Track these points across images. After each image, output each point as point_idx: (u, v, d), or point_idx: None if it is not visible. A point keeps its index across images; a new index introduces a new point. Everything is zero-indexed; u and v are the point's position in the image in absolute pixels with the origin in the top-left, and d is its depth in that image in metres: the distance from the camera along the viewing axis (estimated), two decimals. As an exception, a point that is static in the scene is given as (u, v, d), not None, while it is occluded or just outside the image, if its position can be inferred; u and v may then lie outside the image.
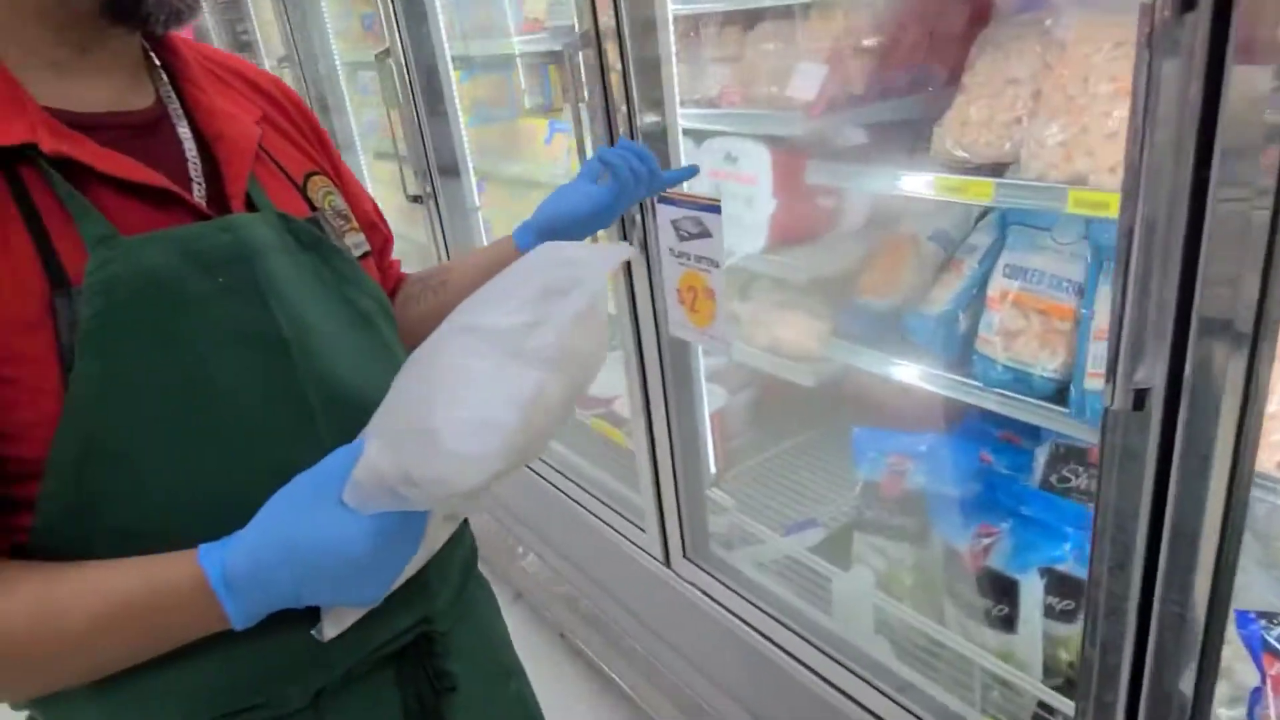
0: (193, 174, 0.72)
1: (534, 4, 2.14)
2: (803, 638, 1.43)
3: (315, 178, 0.83)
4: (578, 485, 1.99)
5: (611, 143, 1.50)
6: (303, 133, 0.87)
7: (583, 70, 1.37)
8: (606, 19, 1.35)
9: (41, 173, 0.64)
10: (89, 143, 0.66)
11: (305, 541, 0.63)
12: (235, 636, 0.66)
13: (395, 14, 2.07)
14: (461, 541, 0.90)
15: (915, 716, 1.29)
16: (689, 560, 1.63)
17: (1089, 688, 0.88)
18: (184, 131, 0.74)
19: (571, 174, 2.17)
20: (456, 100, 2.34)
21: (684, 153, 1.52)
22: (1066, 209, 1.14)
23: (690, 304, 1.30)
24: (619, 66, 1.36)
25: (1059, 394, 1.28)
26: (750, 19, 1.69)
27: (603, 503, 1.87)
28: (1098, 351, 1.21)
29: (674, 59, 1.41)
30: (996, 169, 1.31)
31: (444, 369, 0.62)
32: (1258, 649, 0.88)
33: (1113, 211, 1.10)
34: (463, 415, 0.58)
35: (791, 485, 1.86)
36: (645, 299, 1.52)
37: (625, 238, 1.56)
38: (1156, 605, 0.78)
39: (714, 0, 1.54)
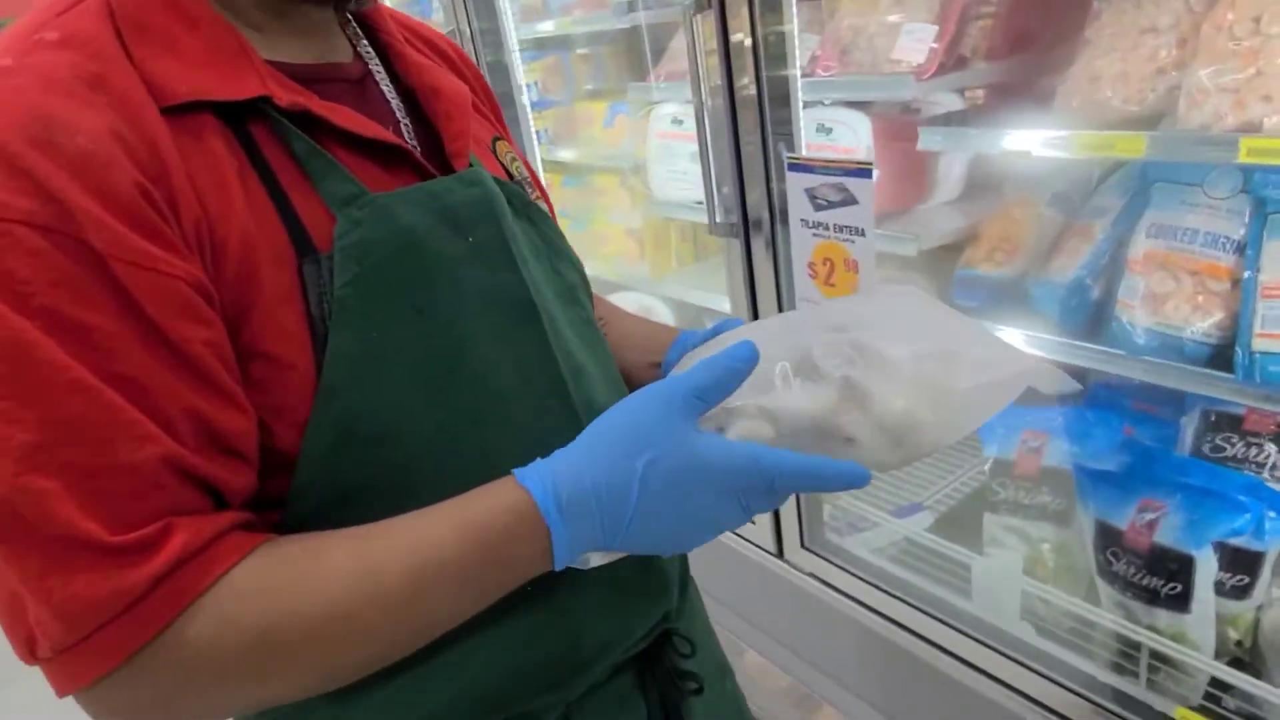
0: (406, 133, 0.66)
1: (590, -18, 2.07)
2: (940, 619, 1.36)
3: (500, 142, 0.77)
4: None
5: (734, 116, 1.41)
6: (480, 96, 0.81)
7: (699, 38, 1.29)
8: (737, 4, 1.28)
9: (273, 129, 0.58)
10: (314, 96, 0.60)
11: (666, 448, 0.54)
12: (496, 643, 0.60)
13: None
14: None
15: (1074, 693, 1.23)
16: (806, 549, 1.56)
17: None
18: (388, 92, 0.68)
19: (636, 159, 2.11)
20: (522, 82, 2.26)
21: (802, 127, 1.44)
22: (1238, 159, 1.07)
23: (825, 277, 1.23)
24: (747, 36, 1.29)
25: (1214, 358, 1.21)
26: (840, -18, 1.62)
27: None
28: (1268, 311, 1.15)
29: (795, 25, 1.34)
30: (1136, 124, 1.24)
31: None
32: None
33: (1295, 159, 1.04)
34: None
35: (902, 471, 1.79)
36: (767, 276, 1.45)
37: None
38: None
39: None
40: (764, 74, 1.38)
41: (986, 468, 1.45)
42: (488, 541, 0.56)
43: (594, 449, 0.56)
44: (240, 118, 0.57)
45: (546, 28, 2.18)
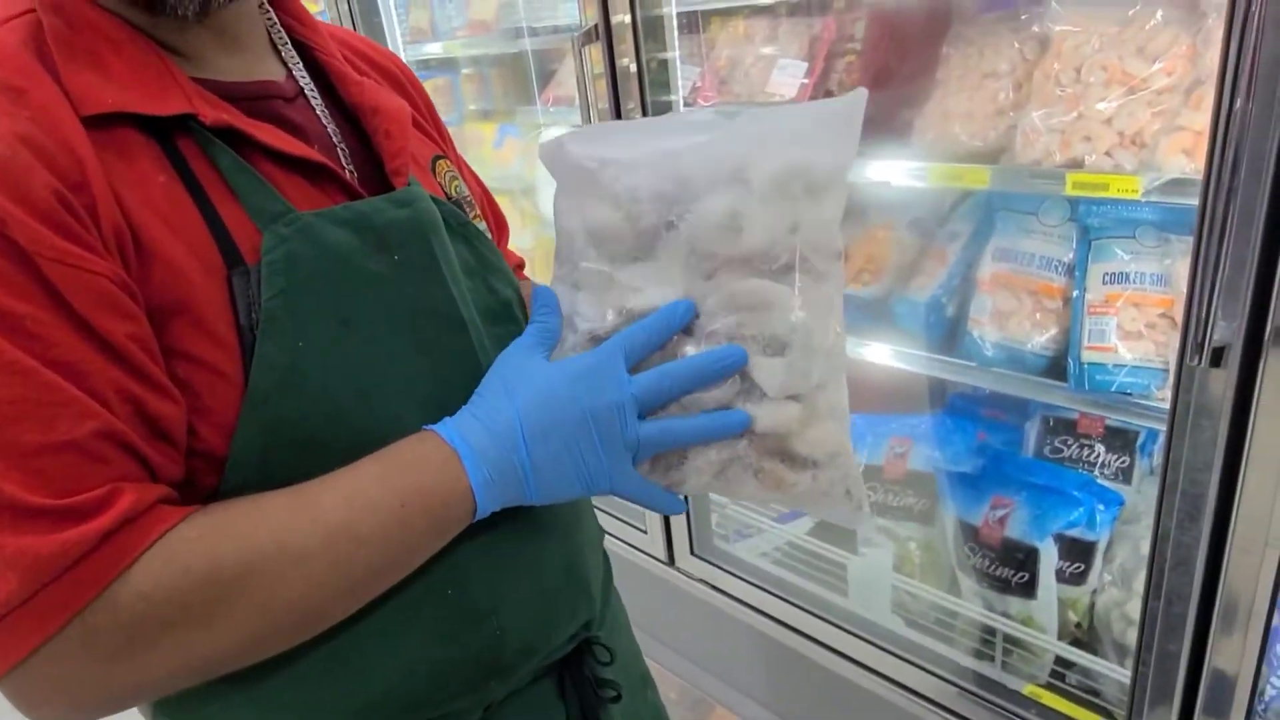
0: (341, 155, 0.68)
1: (480, 7, 2.10)
2: (822, 618, 1.46)
3: (441, 161, 0.78)
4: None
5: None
6: (422, 114, 0.82)
7: (588, 66, 1.36)
8: (620, 15, 1.34)
9: (199, 145, 0.59)
10: (242, 114, 0.61)
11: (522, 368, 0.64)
12: (417, 640, 0.63)
13: (353, 13, 2.00)
14: (599, 548, 0.87)
15: (941, 679, 1.34)
16: (696, 556, 1.63)
17: (1151, 642, 0.94)
18: (320, 110, 0.69)
19: (526, 180, 2.16)
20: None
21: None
22: (1064, 191, 1.21)
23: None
24: (632, 61, 1.36)
25: (1051, 368, 1.35)
26: (722, 18, 1.71)
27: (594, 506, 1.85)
28: (1092, 326, 1.29)
29: (678, 55, 1.42)
30: (980, 157, 1.38)
31: None
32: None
33: (1111, 192, 1.18)
34: None
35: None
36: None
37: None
38: (1228, 555, 0.84)
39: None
40: (649, 99, 1.46)
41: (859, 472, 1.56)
42: (408, 475, 0.61)
43: (481, 399, 0.64)
44: (167, 133, 0.59)
45: (434, 50, 2.20)
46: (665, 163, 0.64)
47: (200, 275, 0.57)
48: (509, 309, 0.75)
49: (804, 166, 0.61)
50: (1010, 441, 1.49)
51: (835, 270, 0.63)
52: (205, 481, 0.59)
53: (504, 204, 2.38)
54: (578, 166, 0.67)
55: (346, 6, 2.12)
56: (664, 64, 1.50)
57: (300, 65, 0.71)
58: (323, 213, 0.62)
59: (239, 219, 0.59)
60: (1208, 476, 0.83)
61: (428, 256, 0.67)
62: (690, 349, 0.63)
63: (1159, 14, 1.17)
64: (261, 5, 0.70)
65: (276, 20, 0.72)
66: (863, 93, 0.63)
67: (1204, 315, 0.75)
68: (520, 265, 0.98)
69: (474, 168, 2.42)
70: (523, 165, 2.16)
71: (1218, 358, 0.77)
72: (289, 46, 0.71)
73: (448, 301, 0.67)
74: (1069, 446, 1.43)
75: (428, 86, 2.41)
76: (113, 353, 0.53)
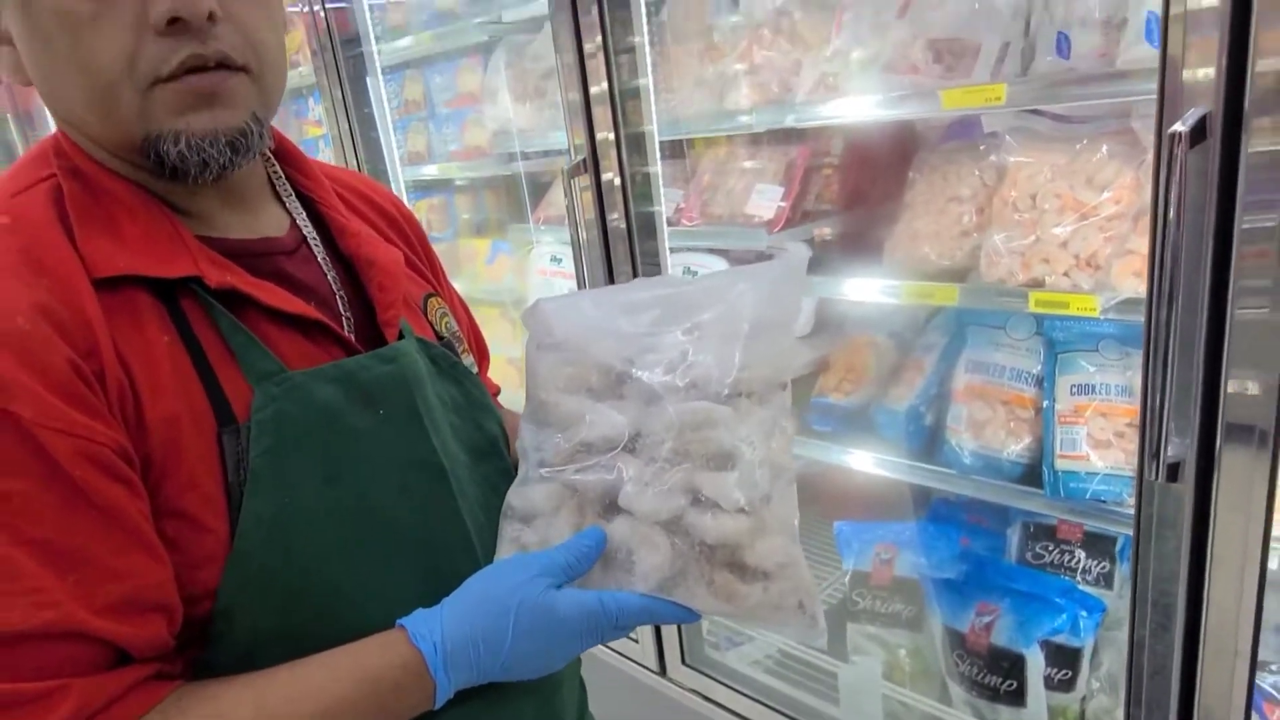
0: (339, 303, 0.73)
1: (475, 132, 2.22)
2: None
3: (432, 299, 0.84)
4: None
5: (609, 261, 1.55)
6: (417, 253, 0.88)
7: (577, 192, 1.44)
8: (606, 147, 1.44)
9: (202, 305, 0.64)
10: (244, 273, 0.67)
11: (529, 611, 0.64)
12: None
13: (353, 134, 2.12)
14: (576, 680, 0.89)
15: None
16: (688, 666, 1.63)
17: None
18: (322, 259, 0.74)
19: (518, 293, 2.23)
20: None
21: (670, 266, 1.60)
22: (1028, 309, 1.29)
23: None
24: (619, 189, 1.45)
25: (1027, 476, 1.40)
26: (705, 142, 1.83)
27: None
28: (1064, 435, 1.35)
29: (661, 180, 1.51)
30: (949, 275, 1.46)
31: None
32: (1259, 699, 0.98)
33: (1071, 310, 1.25)
34: None
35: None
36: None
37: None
38: (1202, 664, 0.87)
39: (689, 129, 1.67)
40: (632, 212, 1.55)
41: (846, 579, 1.58)
42: (381, 692, 0.63)
43: (474, 611, 0.65)
44: (173, 292, 0.64)
45: (431, 171, 2.31)
46: (626, 321, 0.71)
47: (193, 434, 0.61)
48: (495, 445, 0.80)
49: (751, 314, 0.68)
50: (993, 547, 1.52)
51: (779, 398, 0.69)
52: (195, 627, 0.62)
53: (495, 315, 2.46)
54: (550, 329, 0.74)
55: (348, 128, 2.24)
56: (647, 179, 1.59)
57: (304, 215, 0.77)
58: (312, 372, 0.67)
59: (234, 378, 0.64)
60: (1175, 587, 0.87)
61: (410, 410, 0.72)
62: (635, 469, 0.67)
63: (1104, 148, 1.27)
64: (266, 158, 0.76)
65: (281, 172, 0.78)
66: (804, 254, 0.71)
67: (1157, 433, 0.81)
68: (497, 392, 1.03)
69: (468, 282, 2.50)
70: (514, 280, 2.24)
71: (1174, 473, 0.82)
72: (293, 198, 0.77)
73: (429, 451, 0.72)
74: (1050, 552, 1.46)
75: (424, 205, 2.52)
76: (105, 520, 0.56)
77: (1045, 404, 1.38)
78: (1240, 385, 0.76)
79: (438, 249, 2.59)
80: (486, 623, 0.64)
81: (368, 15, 2.21)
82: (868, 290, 1.48)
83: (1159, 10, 0.79)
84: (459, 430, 0.77)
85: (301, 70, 2.40)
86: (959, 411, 1.47)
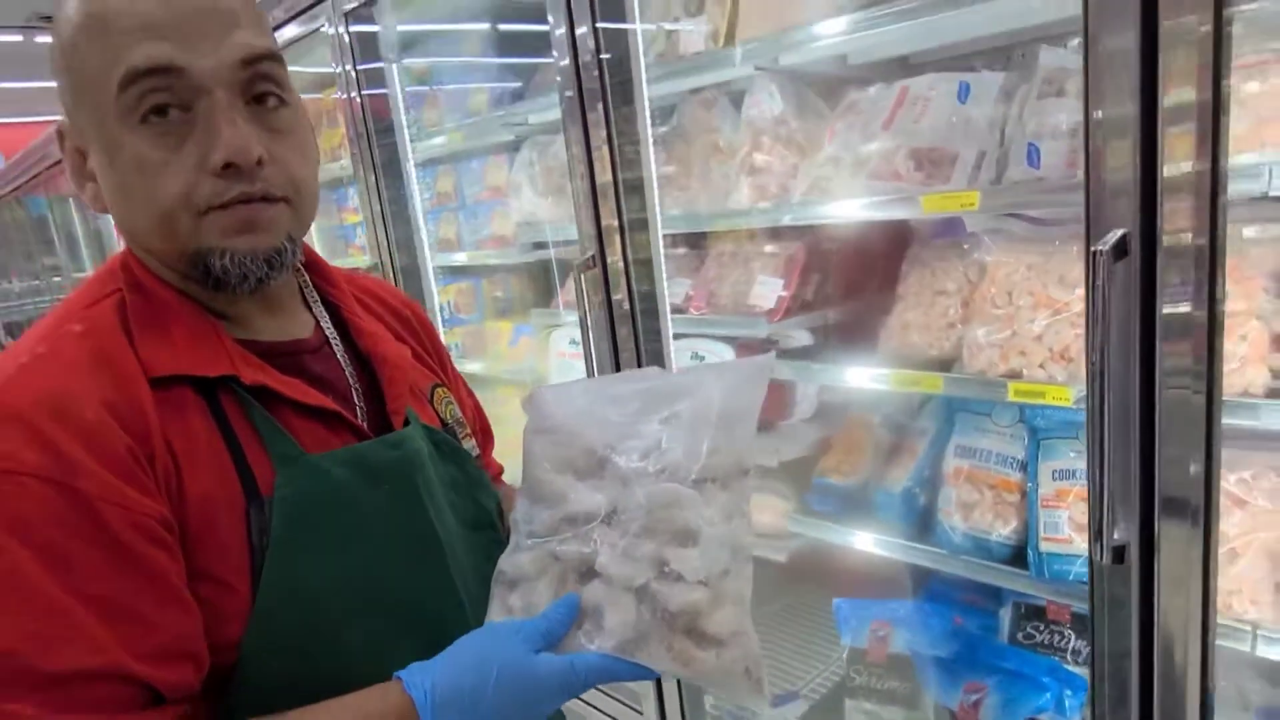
0: (355, 395, 0.85)
1: (501, 223, 2.38)
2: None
3: (439, 390, 0.96)
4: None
5: (614, 342, 1.67)
6: (425, 348, 1.00)
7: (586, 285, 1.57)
8: (613, 250, 1.57)
9: (237, 398, 0.76)
10: (274, 371, 0.79)
11: (509, 670, 0.72)
12: None
13: (386, 228, 2.28)
14: None
15: None
16: (689, 741, 1.67)
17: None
18: (341, 357, 0.87)
19: (538, 373, 2.35)
20: (437, 301, 2.52)
21: (673, 354, 1.71)
22: (1008, 398, 1.37)
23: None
24: (623, 283, 1.58)
25: (1015, 557, 1.46)
26: (705, 239, 1.96)
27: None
28: (1047, 519, 1.41)
29: (663, 266, 1.63)
30: (938, 364, 1.55)
31: None
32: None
33: (1048, 399, 1.33)
34: None
35: (767, 660, 1.94)
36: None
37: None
38: (1154, 734, 0.92)
39: (696, 224, 1.79)
40: (636, 300, 1.66)
41: (844, 656, 1.63)
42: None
43: (462, 666, 0.74)
44: (213, 388, 0.75)
45: (460, 258, 2.47)
46: (612, 410, 0.81)
47: (225, 508, 0.72)
48: (489, 518, 0.91)
49: (720, 406, 0.78)
50: (986, 626, 1.56)
51: (741, 484, 0.78)
52: (221, 674, 0.72)
53: (515, 394, 2.58)
54: (545, 415, 0.84)
55: (382, 220, 2.40)
56: (649, 264, 1.71)
57: (327, 318, 0.89)
58: (328, 455, 0.78)
59: (260, 460, 0.75)
60: (1129, 664, 0.93)
61: (412, 488, 0.83)
62: (613, 540, 0.77)
63: (1075, 249, 1.37)
64: (298, 270, 0.89)
65: (310, 281, 0.91)
66: (771, 356, 0.82)
67: (1098, 516, 0.88)
68: (500, 472, 1.13)
69: (492, 362, 2.63)
70: (535, 361, 2.36)
71: (1120, 555, 0.89)
72: (319, 304, 0.90)
73: (426, 524, 0.83)
74: (1040, 632, 1.51)
75: (453, 289, 2.67)
76: (149, 580, 0.67)
77: (1029, 488, 1.44)
78: (1173, 463, 0.84)
79: (465, 330, 2.74)
80: (471, 678, 0.72)
81: (403, 115, 2.40)
82: (861, 377, 1.57)
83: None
84: (456, 506, 0.87)
85: (342, 162, 2.59)
86: (949, 494, 1.54)
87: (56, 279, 6.51)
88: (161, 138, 0.71)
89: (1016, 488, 1.47)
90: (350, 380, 0.86)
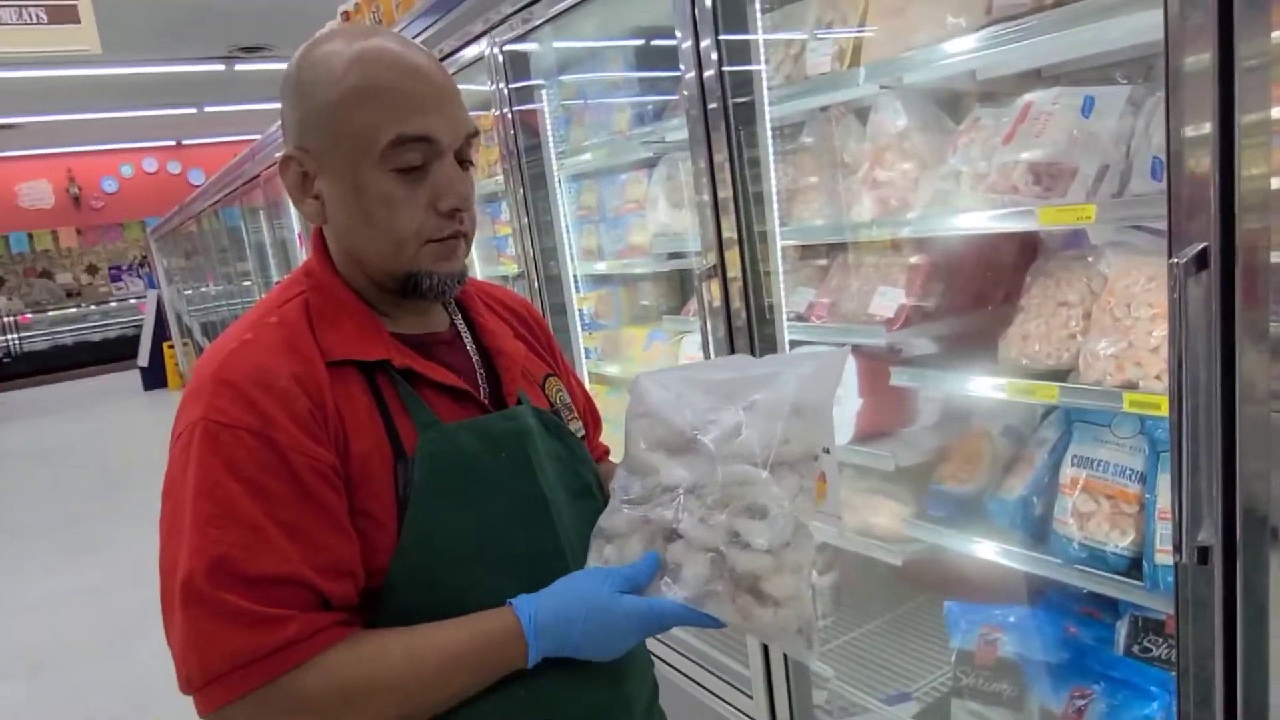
0: (479, 378, 1.04)
1: (638, 234, 2.53)
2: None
3: (550, 379, 1.14)
4: (678, 653, 2.14)
5: (732, 350, 1.78)
6: (540, 342, 1.19)
7: (707, 294, 1.69)
8: (733, 260, 1.68)
9: (390, 377, 0.95)
10: (418, 357, 0.98)
11: (597, 605, 0.88)
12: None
13: (532, 239, 2.49)
14: (646, 678, 1.10)
15: None
16: (797, 727, 1.75)
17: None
18: (469, 348, 1.06)
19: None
20: (577, 307, 2.71)
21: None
22: (1124, 409, 1.38)
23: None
24: (741, 293, 1.69)
25: (1132, 569, 1.45)
26: (830, 250, 2.03)
27: (703, 668, 2.01)
28: (1164, 531, 1.41)
29: (783, 288, 1.73)
30: (1056, 375, 1.56)
31: None
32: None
33: (1163, 411, 1.34)
34: None
35: (881, 661, 1.99)
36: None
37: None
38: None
39: (819, 235, 1.88)
40: (753, 309, 1.76)
41: (952, 658, 1.67)
42: (490, 646, 0.88)
43: (560, 599, 0.90)
44: (372, 369, 0.95)
45: (600, 267, 2.64)
46: (700, 397, 0.94)
47: (378, 462, 0.91)
48: (588, 489, 1.07)
49: (794, 398, 0.88)
50: (1100, 638, 1.56)
51: (810, 468, 0.88)
52: (370, 595, 0.89)
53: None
54: (643, 401, 0.99)
55: (529, 231, 2.61)
56: (768, 274, 1.80)
57: (459, 317, 1.09)
58: (457, 424, 0.96)
59: (406, 426, 0.93)
60: (1212, 663, 0.95)
61: (524, 457, 0.99)
62: (694, 508, 0.89)
63: (1198, 261, 1.37)
64: None
65: None
66: (845, 351, 0.92)
67: (1184, 519, 0.91)
68: (605, 453, 1.28)
69: (626, 364, 2.80)
70: (665, 363, 2.50)
71: (1203, 556, 0.92)
72: (453, 306, 1.10)
73: (535, 487, 0.99)
74: (1158, 646, 1.50)
75: (593, 296, 2.89)
76: (325, 514, 0.86)
77: (1147, 500, 1.44)
78: (1253, 477, 0.87)
79: (603, 335, 2.94)
80: (566, 609, 0.89)
81: (550, 134, 2.60)
82: (978, 386, 1.61)
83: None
84: (562, 476, 1.03)
85: (497, 178, 2.83)
86: (1065, 503, 1.55)
87: (247, 283, 7.25)
88: (405, 184, 0.92)
89: (1135, 499, 1.47)
90: (475, 366, 1.04)
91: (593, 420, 1.24)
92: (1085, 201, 1.42)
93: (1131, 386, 1.39)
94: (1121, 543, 1.47)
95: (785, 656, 1.78)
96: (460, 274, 0.98)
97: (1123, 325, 1.43)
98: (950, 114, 1.82)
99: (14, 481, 7.31)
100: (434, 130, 0.91)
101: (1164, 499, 1.42)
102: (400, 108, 0.90)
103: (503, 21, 2.33)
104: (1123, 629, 1.55)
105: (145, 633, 3.46)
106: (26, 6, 4.47)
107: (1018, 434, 1.78)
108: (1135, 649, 1.51)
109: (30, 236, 13.93)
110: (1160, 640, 1.50)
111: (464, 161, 0.96)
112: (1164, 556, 1.39)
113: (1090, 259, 1.58)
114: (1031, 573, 1.66)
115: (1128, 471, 1.50)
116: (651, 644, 2.37)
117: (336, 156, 0.93)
